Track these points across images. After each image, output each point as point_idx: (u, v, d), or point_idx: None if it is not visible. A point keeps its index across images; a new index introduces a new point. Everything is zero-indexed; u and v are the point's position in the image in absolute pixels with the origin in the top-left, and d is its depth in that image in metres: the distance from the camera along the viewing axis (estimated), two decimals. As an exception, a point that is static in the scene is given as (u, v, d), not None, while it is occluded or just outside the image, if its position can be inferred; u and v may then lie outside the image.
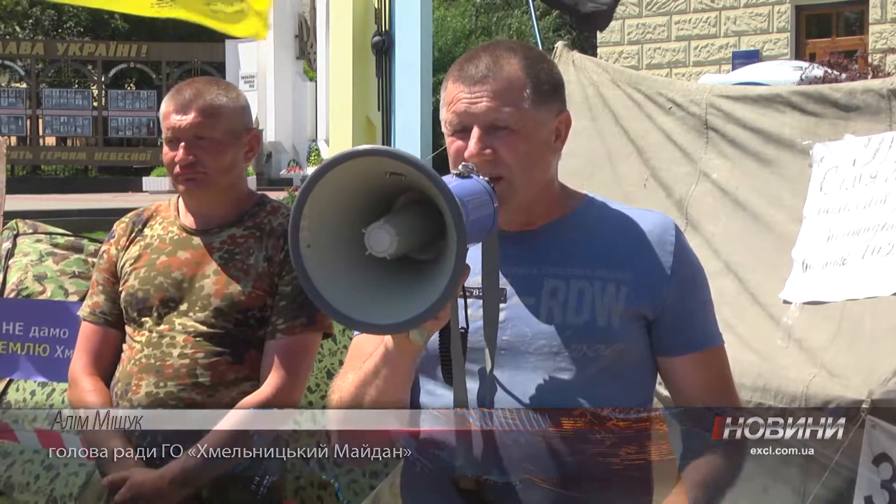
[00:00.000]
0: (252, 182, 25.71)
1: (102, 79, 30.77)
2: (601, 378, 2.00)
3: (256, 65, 28.07)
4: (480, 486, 1.92)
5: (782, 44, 20.01)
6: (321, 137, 26.06)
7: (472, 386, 1.98)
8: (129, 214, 3.03)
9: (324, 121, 25.28)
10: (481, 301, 1.97)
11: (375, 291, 1.73)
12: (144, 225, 2.96)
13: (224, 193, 2.89)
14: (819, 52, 19.43)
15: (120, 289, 2.90)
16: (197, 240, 2.88)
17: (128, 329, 2.89)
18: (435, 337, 1.89)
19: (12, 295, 4.88)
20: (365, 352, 1.96)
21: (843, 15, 20.52)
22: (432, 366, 1.98)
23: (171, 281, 2.83)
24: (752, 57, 19.23)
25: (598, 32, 21.75)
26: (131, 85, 32.31)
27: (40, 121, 30.84)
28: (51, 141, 32.66)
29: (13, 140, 30.49)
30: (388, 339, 1.86)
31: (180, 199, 2.97)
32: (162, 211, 2.99)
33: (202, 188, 2.85)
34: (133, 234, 2.95)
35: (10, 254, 4.81)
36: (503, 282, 2.00)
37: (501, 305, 1.99)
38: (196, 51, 30.28)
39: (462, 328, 1.94)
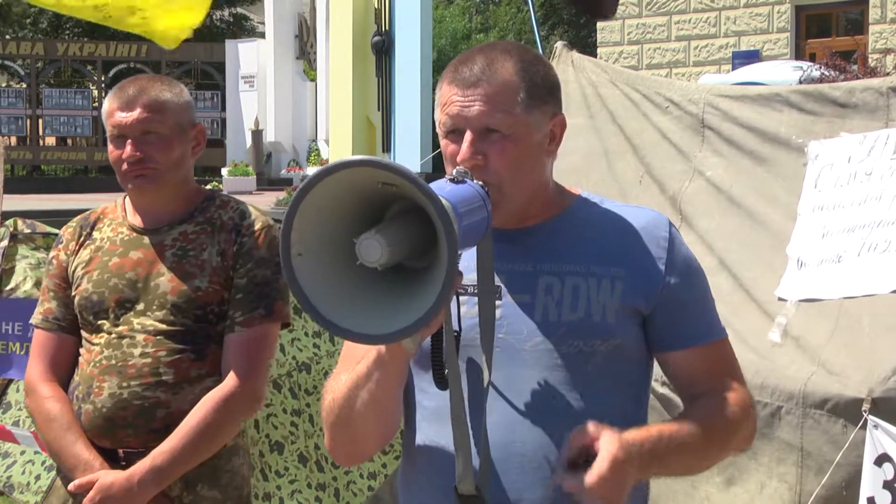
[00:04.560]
0: (252, 182, 25.72)
1: (102, 79, 30.75)
2: (596, 374, 1.99)
3: (256, 65, 28.06)
4: (480, 492, 1.91)
5: (782, 44, 20.02)
6: (321, 137, 26.05)
7: (465, 384, 1.97)
8: (76, 219, 3.00)
9: (324, 121, 25.27)
10: (476, 298, 1.96)
11: (367, 301, 1.72)
12: (93, 228, 2.94)
13: (174, 190, 2.87)
14: (819, 52, 19.43)
15: (73, 293, 2.87)
16: (148, 239, 2.86)
17: (84, 333, 2.86)
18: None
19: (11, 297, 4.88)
20: (359, 352, 1.96)
21: (843, 15, 20.52)
22: (425, 364, 1.97)
23: (125, 282, 2.81)
24: (752, 57, 19.24)
25: (597, 32, 21.75)
26: (131, 85, 32.28)
27: (40, 121, 30.83)
28: (51, 141, 32.67)
29: (13, 140, 30.48)
30: None
31: (127, 200, 2.94)
32: (109, 213, 2.96)
33: (152, 184, 2.82)
34: (82, 238, 2.92)
35: (5, 253, 4.79)
36: (498, 279, 2.00)
37: (497, 303, 1.98)
38: (196, 51, 30.28)
39: (455, 331, 1.94)
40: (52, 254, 2.97)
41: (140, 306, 2.79)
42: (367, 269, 1.66)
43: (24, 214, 5.04)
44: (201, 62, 30.42)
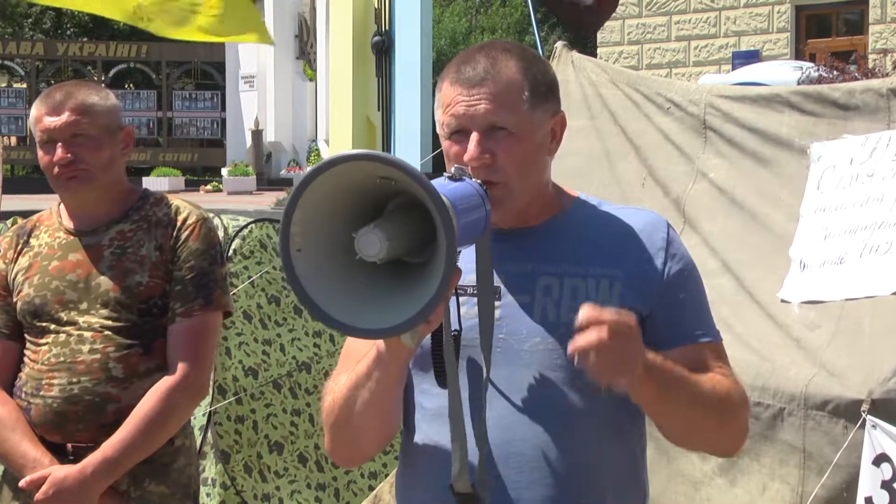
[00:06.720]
0: (252, 182, 25.71)
1: (102, 79, 30.72)
2: None
3: (256, 65, 28.06)
4: (476, 490, 1.91)
5: (782, 44, 20.04)
6: (321, 137, 26.06)
7: (465, 384, 1.98)
8: (12, 228, 3.07)
9: (324, 121, 25.27)
10: (475, 299, 1.96)
11: (366, 296, 1.72)
12: (29, 236, 2.99)
13: (106, 191, 2.93)
14: (819, 52, 19.47)
15: (14, 300, 2.92)
16: (86, 240, 2.92)
17: (28, 337, 2.90)
18: (429, 335, 1.89)
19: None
20: (358, 352, 1.96)
21: (843, 15, 20.56)
22: (426, 364, 1.97)
23: (67, 283, 2.87)
24: (752, 57, 19.27)
25: (597, 31, 21.74)
26: (131, 85, 32.29)
27: (40, 121, 30.79)
28: (51, 141, 32.65)
29: (13, 140, 30.47)
30: (379, 342, 1.86)
31: (61, 206, 3.00)
32: (45, 220, 3.02)
33: (85, 185, 2.88)
34: (20, 247, 2.98)
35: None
36: (497, 280, 2.00)
37: (496, 303, 1.98)
38: (196, 51, 30.27)
39: (455, 330, 1.94)
40: None
41: (84, 305, 2.85)
42: (366, 263, 1.66)
43: (24, 214, 5.04)
44: (201, 62, 30.40)
